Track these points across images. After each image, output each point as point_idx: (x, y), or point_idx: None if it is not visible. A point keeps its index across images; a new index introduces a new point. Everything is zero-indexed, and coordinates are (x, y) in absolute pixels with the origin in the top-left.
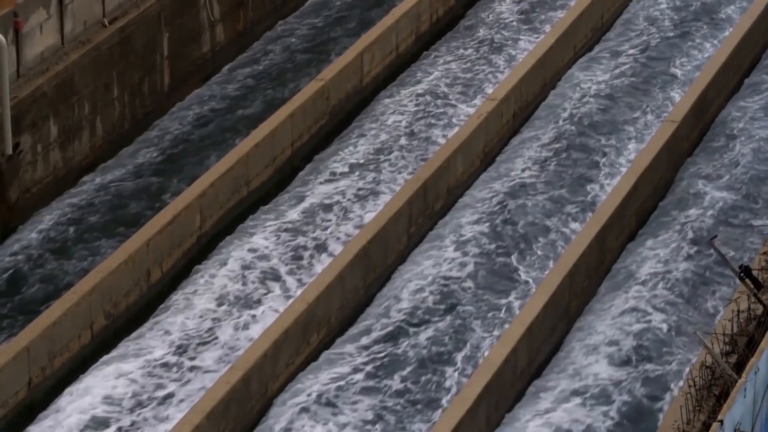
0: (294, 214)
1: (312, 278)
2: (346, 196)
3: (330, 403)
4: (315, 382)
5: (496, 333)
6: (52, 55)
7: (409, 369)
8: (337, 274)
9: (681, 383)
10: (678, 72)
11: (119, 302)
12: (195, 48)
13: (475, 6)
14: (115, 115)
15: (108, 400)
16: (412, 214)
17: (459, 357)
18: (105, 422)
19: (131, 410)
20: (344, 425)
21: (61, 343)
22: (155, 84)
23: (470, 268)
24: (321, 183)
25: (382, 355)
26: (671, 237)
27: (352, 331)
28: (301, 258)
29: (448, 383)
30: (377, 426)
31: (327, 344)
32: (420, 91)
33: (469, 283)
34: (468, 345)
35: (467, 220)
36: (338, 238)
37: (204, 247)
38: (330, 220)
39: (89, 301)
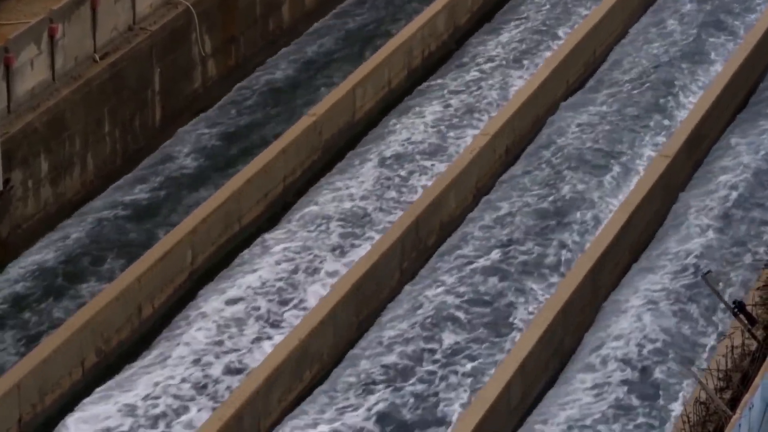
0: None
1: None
2: None
3: None
4: (308, 418)
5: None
6: (43, 91)
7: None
8: (330, 310)
9: (675, 419)
10: (672, 107)
11: (110, 338)
12: (186, 83)
13: (468, 41)
14: (107, 151)
15: None
16: (405, 250)
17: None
18: None
19: None
20: None
21: (52, 380)
22: (147, 119)
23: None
24: None
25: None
26: (665, 272)
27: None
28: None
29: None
30: None
31: (320, 380)
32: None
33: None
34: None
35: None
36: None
37: (196, 283)
38: None
39: (80, 338)
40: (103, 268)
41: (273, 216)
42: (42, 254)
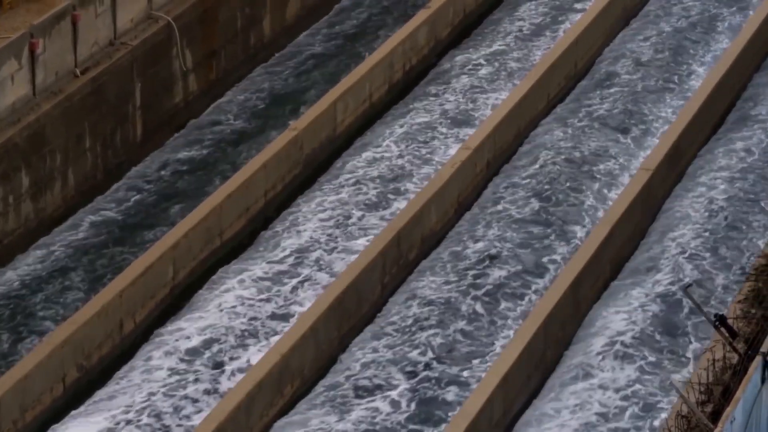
0: None
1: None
2: None
3: None
4: None
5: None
6: (23, 106)
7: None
8: (311, 325)
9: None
10: (654, 119)
11: (92, 354)
12: (167, 98)
13: (448, 55)
14: (88, 166)
15: None
16: (386, 264)
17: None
18: None
19: None
20: None
21: (33, 396)
22: (128, 134)
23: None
24: None
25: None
26: (646, 285)
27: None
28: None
29: None
30: None
31: (301, 395)
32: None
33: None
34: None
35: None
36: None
37: (177, 298)
38: None
39: (61, 354)
40: None
41: (254, 231)
42: None
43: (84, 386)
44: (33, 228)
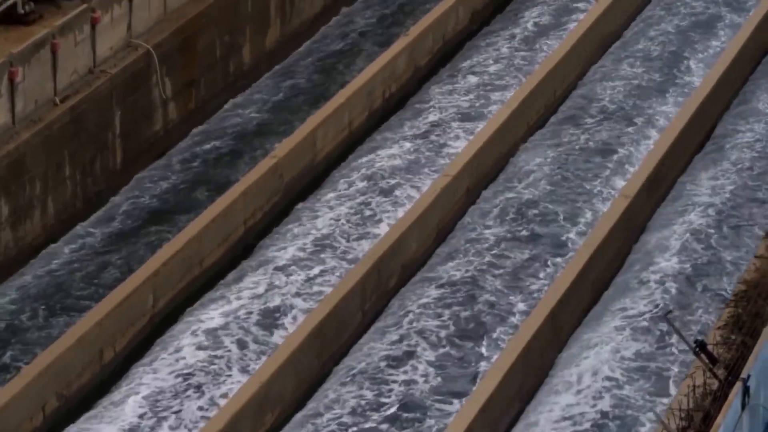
0: None
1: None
2: None
3: None
4: None
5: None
6: (2, 135)
7: None
8: (291, 353)
9: None
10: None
11: (72, 383)
12: (147, 126)
13: (428, 83)
14: (67, 194)
15: None
16: (366, 292)
17: None
18: None
19: None
20: None
21: (13, 425)
22: (107, 162)
23: None
24: None
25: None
26: (626, 313)
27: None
28: None
29: None
30: None
31: (282, 424)
32: None
33: None
34: None
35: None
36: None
37: (157, 327)
38: None
39: (41, 383)
40: None
41: (234, 259)
42: None
43: (64, 415)
44: (12, 257)
